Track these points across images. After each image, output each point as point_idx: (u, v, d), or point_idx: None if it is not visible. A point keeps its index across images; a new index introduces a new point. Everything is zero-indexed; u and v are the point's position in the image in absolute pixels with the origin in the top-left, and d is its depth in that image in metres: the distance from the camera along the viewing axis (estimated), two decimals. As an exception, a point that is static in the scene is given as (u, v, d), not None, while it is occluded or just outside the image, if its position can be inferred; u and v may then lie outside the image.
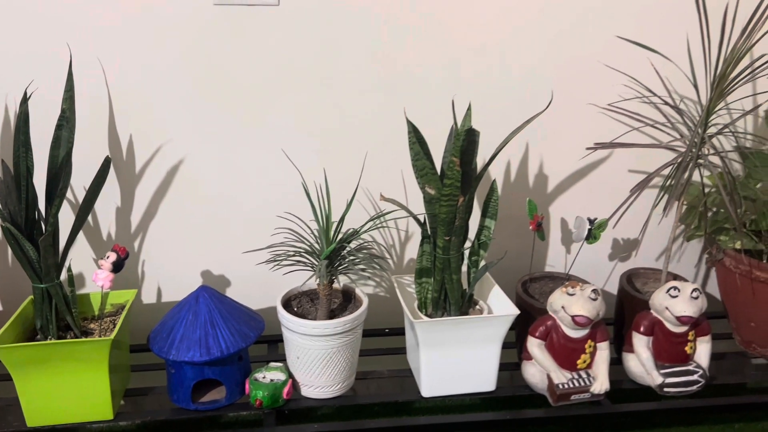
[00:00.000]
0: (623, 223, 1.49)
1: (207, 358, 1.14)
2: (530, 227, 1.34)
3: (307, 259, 1.21)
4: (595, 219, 1.32)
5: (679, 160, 1.16)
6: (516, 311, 1.21)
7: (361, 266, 1.20)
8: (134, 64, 1.26)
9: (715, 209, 1.40)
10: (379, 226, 1.40)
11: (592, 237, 1.33)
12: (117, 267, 1.16)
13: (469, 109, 1.16)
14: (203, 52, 1.27)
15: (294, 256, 1.21)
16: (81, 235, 1.37)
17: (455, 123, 1.12)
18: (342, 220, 1.21)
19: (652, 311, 1.27)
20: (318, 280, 1.20)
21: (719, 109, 1.35)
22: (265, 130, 1.34)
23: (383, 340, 1.46)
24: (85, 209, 1.20)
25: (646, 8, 1.34)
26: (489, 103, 1.38)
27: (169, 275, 1.43)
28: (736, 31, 1.12)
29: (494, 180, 1.23)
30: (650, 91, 1.26)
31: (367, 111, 1.35)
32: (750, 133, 1.41)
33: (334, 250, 1.17)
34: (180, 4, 1.24)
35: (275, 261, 1.19)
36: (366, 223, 1.22)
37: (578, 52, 1.36)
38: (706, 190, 1.36)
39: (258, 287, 1.45)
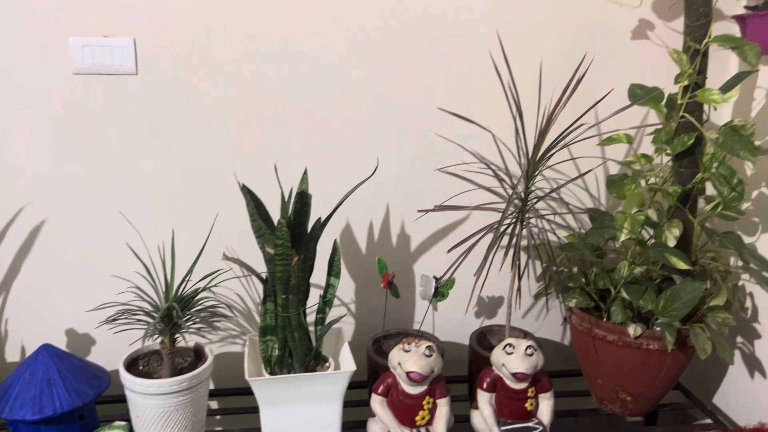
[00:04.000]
0: (490, 280, 1.55)
1: (39, 416, 1.15)
2: (381, 285, 1.38)
3: (151, 318, 1.23)
4: (442, 277, 1.37)
5: (506, 222, 1.22)
6: (352, 368, 1.24)
7: (199, 325, 1.22)
8: (-8, 128, 1.31)
9: (563, 269, 1.46)
10: (214, 285, 1.43)
11: (440, 295, 1.37)
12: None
13: (305, 173, 1.22)
14: (64, 118, 1.33)
15: (136, 314, 1.23)
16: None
17: (280, 187, 1.17)
18: (185, 280, 1.24)
19: (494, 368, 1.31)
20: (160, 338, 1.23)
21: (553, 176, 1.43)
22: (126, 191, 1.38)
23: (247, 399, 1.46)
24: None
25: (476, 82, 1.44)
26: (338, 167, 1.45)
27: (32, 333, 1.44)
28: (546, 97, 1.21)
29: (336, 239, 1.28)
30: (483, 159, 1.34)
31: (222, 173, 1.41)
32: (567, 209, 1.49)
33: (174, 309, 1.20)
34: (41, 72, 1.30)
35: (112, 320, 1.21)
36: (199, 282, 1.25)
37: (413, 123, 1.45)
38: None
39: (119, 345, 1.46)
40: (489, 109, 1.44)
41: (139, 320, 1.23)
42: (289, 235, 1.16)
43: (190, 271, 1.25)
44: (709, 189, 1.43)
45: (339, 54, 1.38)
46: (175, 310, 1.17)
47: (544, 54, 1.43)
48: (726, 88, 1.20)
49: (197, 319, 1.22)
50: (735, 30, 1.41)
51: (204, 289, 1.26)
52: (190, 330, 1.23)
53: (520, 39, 1.42)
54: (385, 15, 1.37)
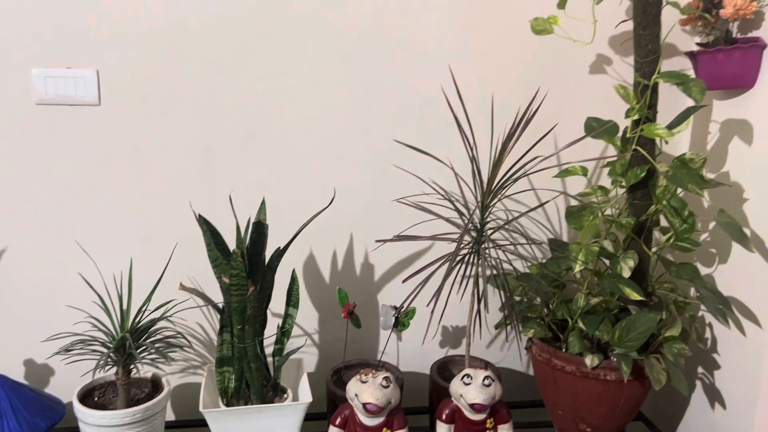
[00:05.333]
0: (454, 309, 1.55)
1: (-13, 450, 1.13)
2: (342, 315, 1.38)
3: (107, 348, 1.22)
4: (401, 307, 1.37)
5: (463, 252, 1.23)
6: (308, 400, 1.24)
7: (153, 356, 1.21)
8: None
9: (522, 299, 1.46)
10: (171, 315, 1.43)
11: (400, 325, 1.38)
12: None
13: (263, 204, 1.23)
14: (26, 148, 1.33)
15: (91, 345, 1.22)
16: None
17: (235, 218, 1.18)
18: (141, 310, 1.24)
19: (453, 399, 1.31)
20: (115, 369, 1.22)
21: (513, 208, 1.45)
22: (85, 221, 1.39)
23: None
24: None
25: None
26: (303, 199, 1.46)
27: (-10, 364, 1.43)
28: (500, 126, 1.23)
29: (294, 270, 1.29)
30: (442, 190, 1.36)
31: (182, 202, 1.41)
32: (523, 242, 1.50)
33: (127, 340, 1.19)
34: (3, 103, 1.31)
35: (66, 351, 1.20)
36: (154, 311, 1.25)
37: (375, 154, 1.47)
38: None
39: (78, 375, 1.45)
40: (449, 141, 1.46)
41: (94, 351, 1.22)
42: (244, 265, 1.16)
43: (147, 301, 1.25)
44: (664, 220, 1.45)
45: (299, 86, 1.40)
46: (128, 340, 1.17)
47: (501, 88, 1.46)
48: (675, 123, 1.23)
49: (152, 350, 1.22)
50: (689, 65, 1.45)
51: (161, 318, 1.25)
52: (145, 361, 1.23)
53: (476, 73, 1.45)
54: (345, 49, 1.40)
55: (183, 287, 1.22)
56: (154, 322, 1.24)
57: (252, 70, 1.38)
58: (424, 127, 1.45)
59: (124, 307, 1.24)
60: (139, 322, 1.24)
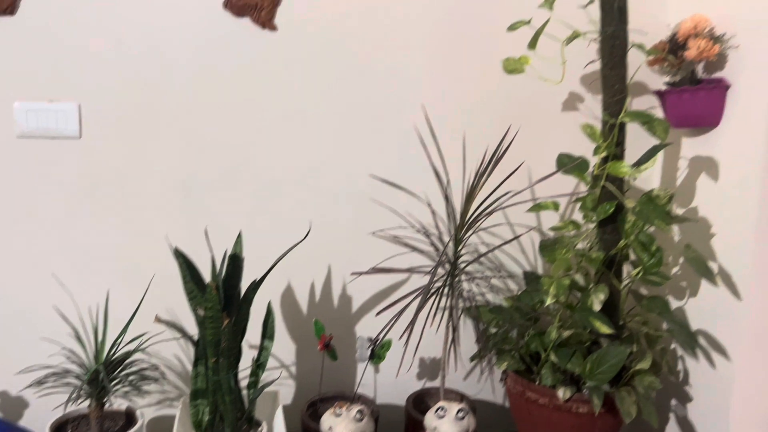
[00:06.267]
0: (431, 341, 1.56)
1: (-44, 485, 1.12)
2: (318, 348, 1.39)
3: (80, 380, 1.22)
4: (378, 339, 1.38)
5: (435, 285, 1.25)
6: (282, 433, 1.24)
7: (127, 388, 1.21)
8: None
9: (497, 330, 1.48)
10: (145, 347, 1.43)
11: (376, 357, 1.39)
12: None
13: (239, 236, 1.25)
14: (5, 181, 1.34)
15: (65, 377, 1.22)
16: None
17: (210, 251, 1.19)
18: (117, 342, 1.24)
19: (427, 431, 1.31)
20: (89, 401, 1.22)
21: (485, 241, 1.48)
22: (62, 253, 1.39)
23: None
24: None
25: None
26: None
27: (-39, 397, 1.41)
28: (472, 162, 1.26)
29: (270, 302, 1.30)
30: (418, 223, 1.38)
31: (160, 235, 1.43)
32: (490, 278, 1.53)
33: (100, 373, 1.19)
34: (-19, 134, 1.33)
35: (40, 383, 1.20)
36: (129, 344, 1.25)
37: (355, 187, 1.49)
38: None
39: (53, 408, 1.44)
40: (426, 174, 1.49)
41: (68, 383, 1.22)
42: (219, 297, 1.17)
43: (122, 333, 1.26)
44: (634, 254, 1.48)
45: (278, 120, 1.43)
46: (101, 373, 1.17)
47: (475, 124, 1.49)
48: (642, 160, 1.26)
49: (126, 383, 1.22)
50: (658, 103, 1.50)
51: (136, 351, 1.26)
52: (118, 394, 1.23)
53: (451, 110, 1.48)
54: (324, 84, 1.43)
55: (159, 319, 1.23)
56: (129, 354, 1.24)
57: (231, 104, 1.41)
58: (401, 161, 1.48)
59: (99, 339, 1.24)
60: (113, 354, 1.24)
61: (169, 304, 1.45)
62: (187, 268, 1.21)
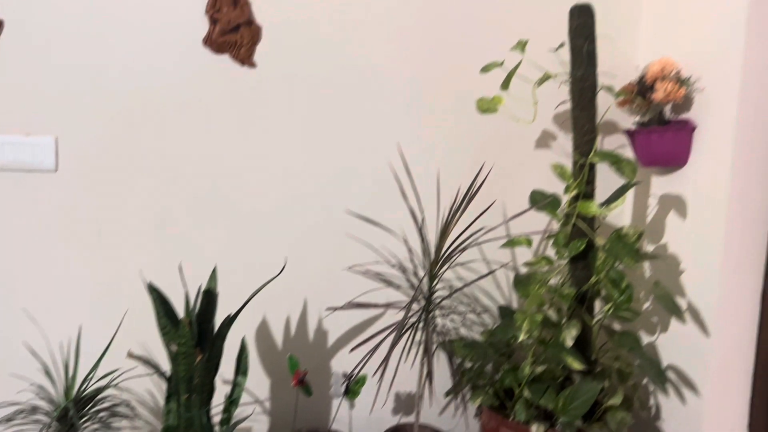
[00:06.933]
0: (407, 376, 1.56)
1: None
2: (292, 383, 1.39)
3: (49, 418, 1.21)
4: (352, 375, 1.38)
5: (410, 321, 1.26)
6: (253, 470, 1.22)
7: (96, 425, 1.20)
8: None
9: (472, 365, 1.48)
10: (116, 383, 1.42)
11: (351, 392, 1.38)
12: None
13: (214, 271, 1.25)
14: (-23, 211, 1.34)
15: (34, 414, 1.21)
16: None
17: (184, 287, 1.20)
18: (88, 378, 1.23)
19: (401, 468, 1.31)
20: (57, 439, 1.20)
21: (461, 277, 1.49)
22: (34, 288, 1.38)
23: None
24: None
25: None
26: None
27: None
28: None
29: (244, 337, 1.29)
30: (395, 258, 1.40)
31: (135, 269, 1.42)
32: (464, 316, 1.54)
33: (71, 409, 1.18)
34: (-44, 167, 1.32)
35: (7, 420, 1.18)
36: (101, 380, 1.24)
37: (333, 223, 1.51)
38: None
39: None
40: (402, 209, 1.50)
41: (36, 420, 1.20)
42: (193, 333, 1.17)
43: (94, 368, 1.24)
44: (608, 290, 1.50)
45: (255, 155, 1.45)
46: (70, 410, 1.16)
47: (449, 162, 1.52)
48: (612, 199, 1.29)
49: (96, 420, 1.20)
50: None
51: (107, 387, 1.24)
52: (88, 431, 1.21)
53: (426, 148, 1.51)
54: (300, 119, 1.46)
55: (131, 355, 1.22)
56: (100, 390, 1.23)
57: (208, 139, 1.42)
58: (376, 196, 1.50)
59: (70, 374, 1.23)
60: (84, 390, 1.23)
61: (143, 339, 1.44)
62: (161, 303, 1.21)
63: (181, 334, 1.16)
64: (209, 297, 1.22)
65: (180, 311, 1.24)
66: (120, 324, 1.40)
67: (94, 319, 1.41)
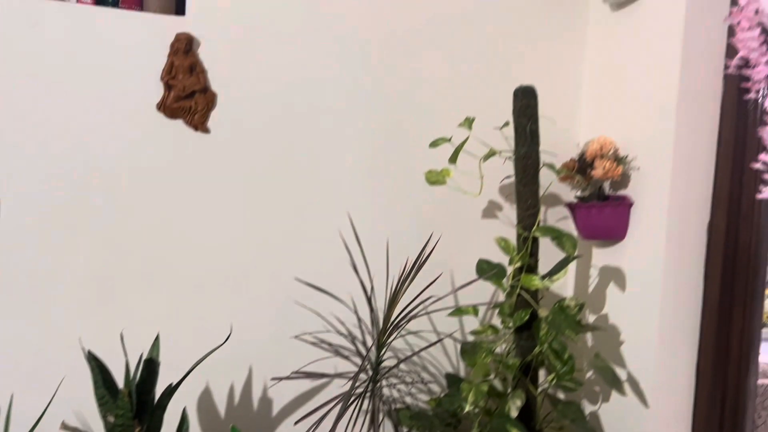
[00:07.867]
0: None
1: None
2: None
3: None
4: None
5: (357, 391, 1.25)
6: None
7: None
8: None
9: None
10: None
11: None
12: None
13: (156, 339, 1.22)
14: None
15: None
16: None
17: (125, 356, 1.17)
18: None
19: None
20: None
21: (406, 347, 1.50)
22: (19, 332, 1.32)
23: None
24: None
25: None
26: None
27: None
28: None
29: (185, 408, 1.26)
30: (344, 327, 1.40)
31: (74, 336, 1.38)
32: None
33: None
34: None
35: None
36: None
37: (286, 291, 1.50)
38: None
39: None
40: (351, 277, 1.51)
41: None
42: (132, 404, 1.13)
43: (25, 439, 1.18)
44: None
45: (200, 221, 1.44)
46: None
47: (398, 232, 1.54)
48: (554, 271, 1.34)
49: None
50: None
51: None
52: None
53: (375, 218, 1.54)
54: (247, 184, 1.47)
55: (65, 426, 1.17)
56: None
57: (156, 204, 1.42)
58: (325, 264, 1.51)
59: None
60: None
61: (79, 408, 1.38)
62: (100, 372, 1.17)
63: (119, 405, 1.12)
64: (150, 366, 1.19)
65: (120, 380, 1.20)
66: (55, 393, 1.34)
67: (28, 387, 1.35)
